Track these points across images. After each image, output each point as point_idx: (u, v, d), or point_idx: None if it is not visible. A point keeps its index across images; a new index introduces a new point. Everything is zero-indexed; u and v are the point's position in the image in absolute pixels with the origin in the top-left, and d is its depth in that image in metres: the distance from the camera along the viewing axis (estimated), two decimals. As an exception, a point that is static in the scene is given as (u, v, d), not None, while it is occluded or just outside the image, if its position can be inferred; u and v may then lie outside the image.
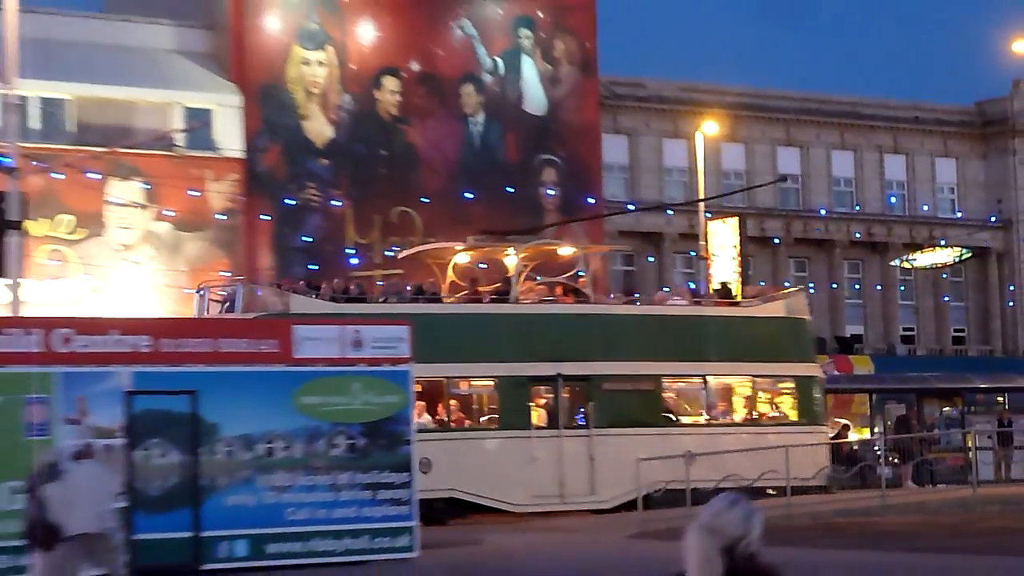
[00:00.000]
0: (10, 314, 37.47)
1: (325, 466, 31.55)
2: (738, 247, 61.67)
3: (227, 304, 42.85)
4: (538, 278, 48.27)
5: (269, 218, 57.70)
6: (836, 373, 67.86)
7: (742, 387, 48.08)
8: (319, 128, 59.30)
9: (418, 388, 39.39)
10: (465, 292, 46.25)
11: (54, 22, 54.51)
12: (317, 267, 54.22)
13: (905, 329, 73.65)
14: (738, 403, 48.19)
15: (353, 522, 31.75)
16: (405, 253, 53.68)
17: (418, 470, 33.50)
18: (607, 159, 65.96)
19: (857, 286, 72.53)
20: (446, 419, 43.07)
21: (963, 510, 43.41)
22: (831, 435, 62.34)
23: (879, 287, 72.60)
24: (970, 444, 61.90)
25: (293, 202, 57.94)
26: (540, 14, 63.61)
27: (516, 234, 48.16)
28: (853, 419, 64.77)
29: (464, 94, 62.18)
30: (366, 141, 59.65)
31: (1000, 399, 64.38)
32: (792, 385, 47.95)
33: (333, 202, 58.57)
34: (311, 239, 58.39)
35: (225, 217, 56.61)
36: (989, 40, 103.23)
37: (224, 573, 28.61)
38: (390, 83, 60.64)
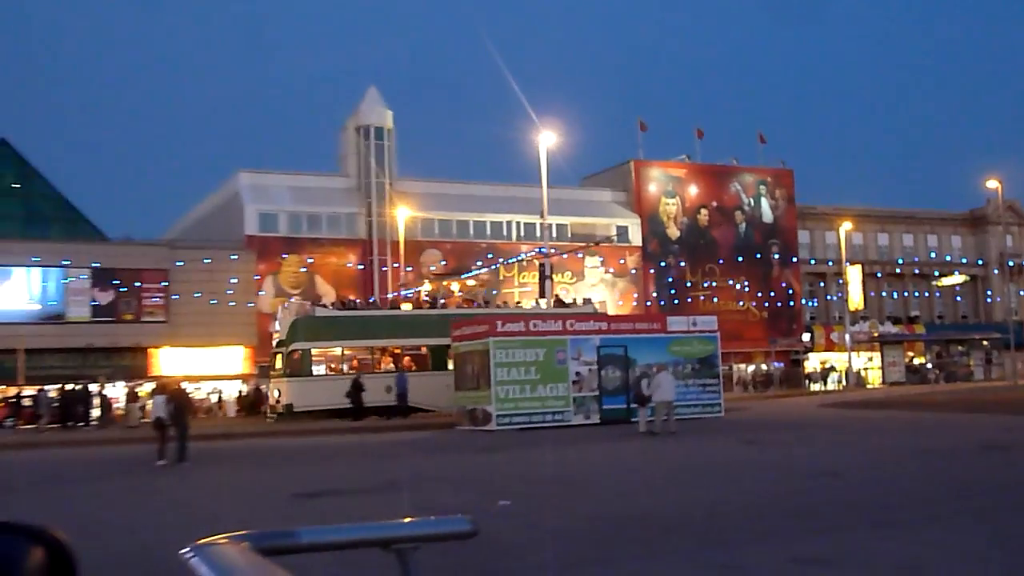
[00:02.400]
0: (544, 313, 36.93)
1: (683, 376, 30.04)
2: (860, 278, 58.18)
3: (287, 306, 36.92)
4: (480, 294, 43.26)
5: (653, 271, 56.32)
6: (906, 333, 63.31)
7: None
8: (673, 232, 57.05)
9: (396, 350, 34.90)
10: (413, 302, 39.44)
11: (563, 192, 53.72)
12: (674, 291, 52.70)
13: (939, 312, 67.97)
14: None
15: (695, 400, 30.32)
16: (401, 282, 43.77)
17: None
18: (800, 241, 61.91)
19: (916, 293, 67.01)
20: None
21: (970, 393, 39.79)
22: (906, 361, 58.29)
23: (927, 294, 66.95)
24: (971, 363, 58.10)
25: (663, 264, 56.21)
26: (768, 179, 60.27)
27: (449, 275, 41.24)
28: (917, 353, 60.48)
29: (736, 215, 59.15)
30: (694, 236, 57.18)
31: (985, 342, 59.98)
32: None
33: (681, 263, 56.74)
34: (670, 279, 56.22)
35: (635, 271, 55.37)
36: (978, 172, 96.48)
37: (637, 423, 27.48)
38: (703, 212, 58.10)
